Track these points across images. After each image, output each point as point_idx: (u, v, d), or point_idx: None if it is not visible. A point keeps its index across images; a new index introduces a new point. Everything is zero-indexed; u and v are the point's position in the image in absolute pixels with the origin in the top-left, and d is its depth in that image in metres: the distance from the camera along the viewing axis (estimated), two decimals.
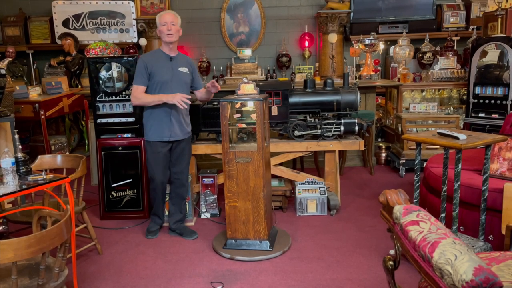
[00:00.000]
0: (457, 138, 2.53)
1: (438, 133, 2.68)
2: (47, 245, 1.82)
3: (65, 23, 6.47)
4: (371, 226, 3.59)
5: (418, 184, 2.81)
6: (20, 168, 2.44)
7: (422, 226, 1.14)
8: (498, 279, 0.96)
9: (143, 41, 5.80)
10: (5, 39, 6.60)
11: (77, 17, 6.47)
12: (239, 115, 3.06)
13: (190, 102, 3.17)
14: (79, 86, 6.13)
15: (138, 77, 3.23)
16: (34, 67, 6.47)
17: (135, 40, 6.40)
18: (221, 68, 6.41)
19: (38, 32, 6.72)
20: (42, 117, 5.12)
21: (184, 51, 6.48)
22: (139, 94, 3.21)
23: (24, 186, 2.33)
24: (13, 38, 6.59)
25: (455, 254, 1.02)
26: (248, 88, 2.98)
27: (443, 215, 2.96)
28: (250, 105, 3.07)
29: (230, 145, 3.03)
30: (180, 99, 3.08)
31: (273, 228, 3.34)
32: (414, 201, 2.85)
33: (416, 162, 2.77)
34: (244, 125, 3.08)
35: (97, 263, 3.10)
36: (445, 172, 2.87)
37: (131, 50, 6.04)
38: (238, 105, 3.05)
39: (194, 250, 3.23)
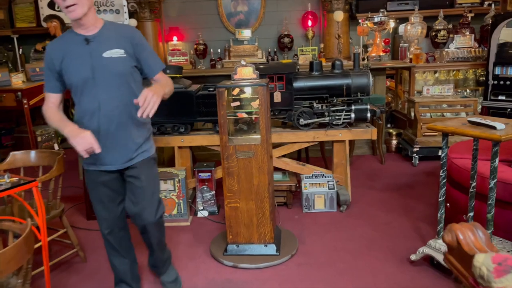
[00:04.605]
0: (493, 127, 2.15)
1: (469, 121, 2.30)
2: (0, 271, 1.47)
3: (51, 4, 6.01)
4: (386, 224, 3.23)
5: (444, 181, 2.45)
6: None
7: None
8: None
9: (133, 22, 5.37)
10: None
11: None
12: (237, 103, 2.68)
13: (98, 150, 1.92)
14: None
15: (45, 81, 2.13)
16: (20, 52, 6.08)
17: (126, 22, 5.97)
18: (219, 50, 6.00)
19: (23, 15, 6.32)
20: (26, 106, 4.72)
21: (179, 33, 6.07)
22: (46, 109, 2.12)
23: None
24: None
25: None
26: (246, 72, 2.59)
27: (471, 214, 2.60)
28: (249, 92, 2.69)
29: (228, 137, 2.66)
30: (82, 148, 1.89)
31: (276, 229, 2.99)
32: (439, 199, 2.49)
33: (442, 155, 2.40)
34: (244, 115, 2.71)
35: (80, 272, 2.76)
36: (474, 166, 2.50)
37: None
38: (235, 92, 2.66)
39: (189, 256, 2.89)
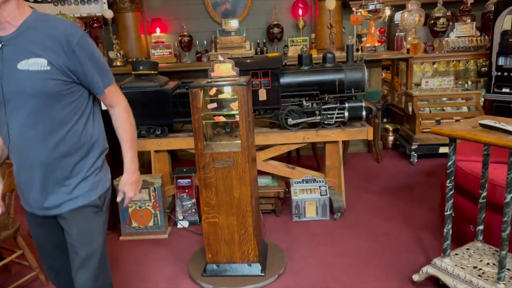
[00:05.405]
0: (509, 132, 1.85)
1: (481, 124, 1.99)
2: None
3: None
4: (384, 234, 2.93)
5: (451, 193, 2.14)
6: None
7: None
8: None
9: (108, 13, 4.97)
10: None
11: None
12: (214, 105, 2.35)
13: (1, 209, 1.59)
14: None
15: None
16: None
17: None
18: (205, 42, 5.65)
19: None
20: None
21: (162, 24, 5.70)
22: None
23: None
24: None
25: None
26: (224, 69, 2.26)
27: (481, 227, 2.31)
28: (229, 91, 2.36)
29: (205, 143, 2.34)
30: None
31: (262, 243, 2.68)
32: (446, 213, 2.18)
33: (450, 163, 2.09)
34: (222, 118, 2.38)
35: None
36: (484, 173, 2.20)
37: (95, 25, 5.24)
38: (212, 92, 2.34)
39: (165, 277, 2.57)
